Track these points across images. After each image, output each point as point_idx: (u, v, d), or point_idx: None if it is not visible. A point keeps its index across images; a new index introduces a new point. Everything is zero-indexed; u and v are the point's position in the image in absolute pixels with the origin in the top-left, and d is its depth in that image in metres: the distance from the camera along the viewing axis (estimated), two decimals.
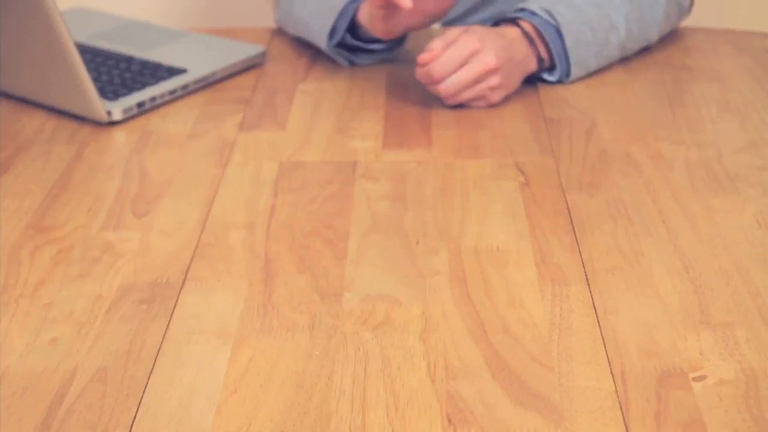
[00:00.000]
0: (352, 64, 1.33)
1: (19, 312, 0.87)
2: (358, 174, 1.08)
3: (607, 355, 0.81)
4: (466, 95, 1.20)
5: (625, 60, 1.33)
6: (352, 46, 1.32)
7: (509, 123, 1.19)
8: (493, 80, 1.20)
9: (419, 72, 1.20)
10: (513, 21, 1.26)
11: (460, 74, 1.19)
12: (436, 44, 1.19)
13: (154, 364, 0.80)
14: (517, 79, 1.23)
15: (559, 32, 1.25)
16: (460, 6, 1.41)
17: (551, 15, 1.24)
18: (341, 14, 1.28)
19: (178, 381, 0.79)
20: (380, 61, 1.33)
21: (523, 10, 1.26)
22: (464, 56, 1.18)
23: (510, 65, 1.21)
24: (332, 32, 1.30)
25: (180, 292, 0.89)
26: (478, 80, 1.19)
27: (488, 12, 1.39)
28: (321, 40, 1.31)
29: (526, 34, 1.24)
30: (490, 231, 0.97)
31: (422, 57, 1.19)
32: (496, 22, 1.27)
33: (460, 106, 1.22)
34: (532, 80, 1.27)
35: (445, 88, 1.19)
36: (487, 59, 1.19)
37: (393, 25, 1.23)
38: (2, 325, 0.85)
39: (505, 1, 1.39)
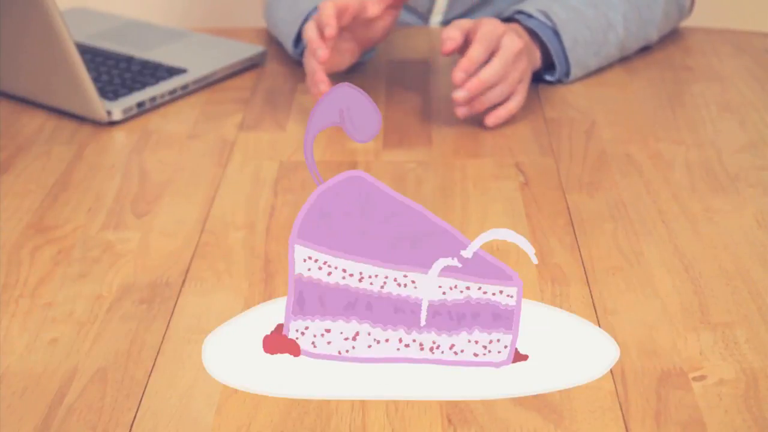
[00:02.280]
0: None
1: (19, 312, 0.87)
2: None
3: None
4: (493, 96, 1.14)
5: (625, 60, 1.33)
6: None
7: (509, 123, 1.19)
8: (520, 66, 1.15)
9: (455, 74, 1.13)
10: (510, 21, 1.26)
11: (491, 66, 1.13)
12: (453, 33, 1.14)
13: (154, 364, 0.80)
14: (530, 73, 1.20)
15: (556, 33, 1.25)
16: (460, 6, 1.41)
17: (547, 16, 1.25)
18: (305, 22, 1.27)
19: (178, 381, 0.79)
20: (353, 66, 1.30)
21: (520, 12, 1.26)
22: (493, 39, 1.14)
23: (529, 53, 1.19)
24: (297, 39, 1.29)
25: (180, 292, 0.89)
26: (507, 68, 1.14)
27: (488, 11, 1.39)
28: (288, 46, 1.31)
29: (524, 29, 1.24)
30: None
31: (458, 76, 1.13)
32: None
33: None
34: (533, 80, 1.27)
35: (473, 86, 1.14)
36: (515, 41, 1.14)
37: (337, 63, 1.21)
38: (2, 325, 0.85)
39: (504, 0, 1.39)
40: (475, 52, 1.12)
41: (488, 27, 1.14)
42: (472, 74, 1.13)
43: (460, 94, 1.13)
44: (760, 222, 0.98)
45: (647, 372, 0.79)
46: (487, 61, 1.14)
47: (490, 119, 1.16)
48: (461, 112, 1.15)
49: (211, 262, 0.93)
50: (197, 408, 0.76)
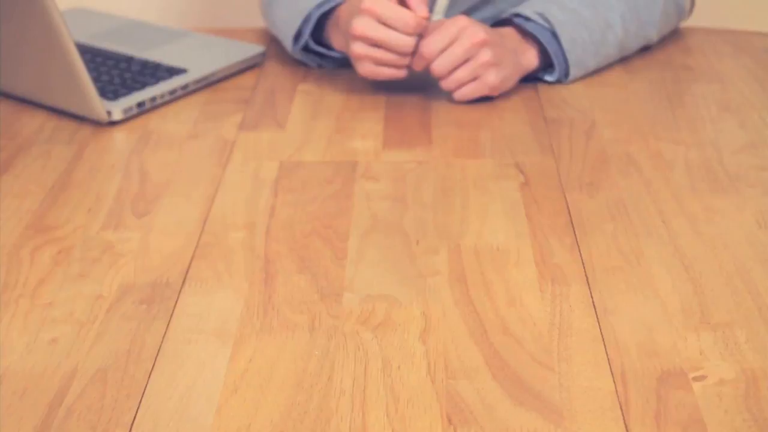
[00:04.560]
0: (320, 66, 1.33)
1: (19, 312, 0.87)
2: (358, 174, 1.08)
3: (607, 355, 0.81)
4: (460, 75, 1.20)
5: (624, 60, 1.33)
6: (318, 52, 1.32)
7: (509, 123, 1.19)
8: (485, 54, 1.20)
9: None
10: (508, 23, 1.27)
11: (450, 49, 1.20)
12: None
13: (154, 364, 0.80)
14: (512, 66, 1.23)
15: (554, 34, 1.25)
16: (460, 6, 1.41)
17: (545, 18, 1.25)
18: (306, 20, 1.28)
19: (178, 381, 0.79)
20: (349, 63, 1.32)
21: (517, 15, 1.27)
22: (453, 33, 1.20)
23: (502, 47, 1.22)
24: (297, 37, 1.30)
25: (180, 292, 0.89)
26: (468, 54, 1.19)
27: (488, 12, 1.39)
28: (288, 44, 1.31)
29: (520, 31, 1.25)
30: (490, 231, 0.97)
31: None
32: (493, 25, 1.28)
33: (460, 104, 1.22)
34: (532, 80, 1.27)
35: (438, 66, 1.20)
36: (476, 32, 1.20)
37: None
38: (2, 325, 0.85)
39: (504, 0, 1.39)
40: (432, 39, 1.20)
41: (450, 20, 1.21)
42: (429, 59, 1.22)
43: (417, 62, 1.21)
44: (760, 222, 0.98)
45: (647, 372, 0.79)
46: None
47: (457, 94, 1.22)
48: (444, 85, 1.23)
49: (211, 262, 0.93)
50: (197, 408, 0.76)
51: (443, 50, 1.20)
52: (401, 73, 1.22)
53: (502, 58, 1.21)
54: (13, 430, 0.74)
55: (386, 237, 0.97)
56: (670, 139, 1.14)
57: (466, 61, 1.20)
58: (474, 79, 1.21)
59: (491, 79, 1.21)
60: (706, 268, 0.91)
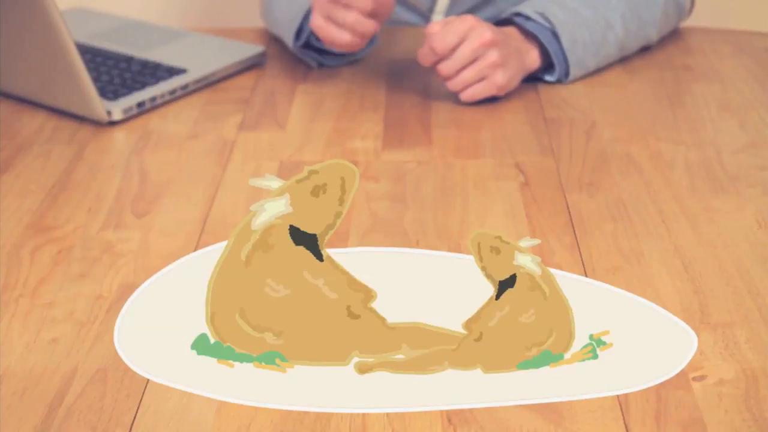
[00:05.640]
0: (320, 65, 1.32)
1: (19, 312, 0.87)
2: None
3: None
4: (467, 75, 1.20)
5: (625, 60, 1.33)
6: (319, 48, 1.32)
7: (509, 123, 1.19)
8: (492, 55, 1.20)
9: (421, 52, 1.22)
10: (509, 23, 1.27)
11: (459, 50, 1.20)
12: (434, 25, 1.22)
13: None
14: (517, 66, 1.23)
15: (555, 34, 1.25)
16: (461, 6, 1.41)
17: (546, 18, 1.25)
18: (307, 16, 1.28)
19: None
20: (349, 62, 1.32)
21: (518, 14, 1.27)
22: (462, 30, 1.20)
23: (508, 47, 1.22)
24: (298, 33, 1.30)
25: None
26: (476, 54, 1.19)
27: (488, 12, 1.39)
28: (289, 41, 1.31)
29: (522, 31, 1.25)
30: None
31: (427, 31, 1.21)
32: (494, 24, 1.28)
33: (460, 104, 1.22)
34: (533, 80, 1.27)
35: (445, 67, 1.20)
36: (483, 32, 1.20)
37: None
38: (2, 325, 0.85)
39: (505, 0, 1.39)
40: (443, 35, 1.20)
41: (459, 19, 1.21)
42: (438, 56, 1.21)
43: (424, 53, 1.22)
44: (760, 222, 0.98)
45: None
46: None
47: (463, 95, 1.22)
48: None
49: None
50: (197, 408, 0.76)
51: (454, 46, 1.20)
52: (344, 39, 1.20)
53: (508, 59, 1.21)
54: (13, 430, 0.74)
55: (386, 237, 0.97)
56: (670, 139, 1.14)
57: (472, 61, 1.20)
58: (481, 79, 1.21)
59: (498, 80, 1.21)
60: (706, 268, 0.91)
